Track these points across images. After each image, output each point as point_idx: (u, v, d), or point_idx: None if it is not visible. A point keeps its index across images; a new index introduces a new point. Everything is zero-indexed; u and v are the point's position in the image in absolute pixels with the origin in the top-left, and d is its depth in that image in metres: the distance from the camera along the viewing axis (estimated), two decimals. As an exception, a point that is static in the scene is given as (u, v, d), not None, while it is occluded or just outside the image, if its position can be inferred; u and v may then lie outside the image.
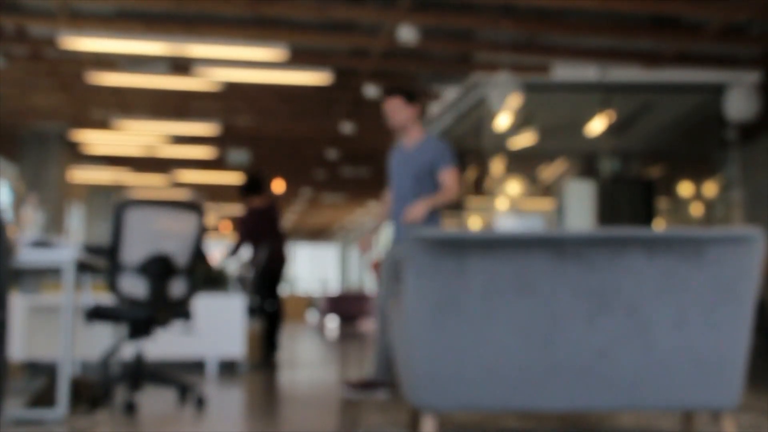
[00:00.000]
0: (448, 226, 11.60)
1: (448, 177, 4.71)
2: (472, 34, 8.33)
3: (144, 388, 4.52)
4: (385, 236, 5.75)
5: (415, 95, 4.92)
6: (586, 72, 9.02)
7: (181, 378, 4.77)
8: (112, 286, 4.28)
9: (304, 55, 8.74)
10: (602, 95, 9.30)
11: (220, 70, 9.14)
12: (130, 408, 4.16)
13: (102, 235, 16.70)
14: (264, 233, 7.56)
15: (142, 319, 4.40)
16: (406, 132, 4.90)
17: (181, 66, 9.21)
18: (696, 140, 10.46)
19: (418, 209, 4.58)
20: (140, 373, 4.41)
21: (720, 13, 7.27)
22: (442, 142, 4.86)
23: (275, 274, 7.65)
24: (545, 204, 11.36)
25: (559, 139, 10.82)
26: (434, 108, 10.83)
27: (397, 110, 4.87)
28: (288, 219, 24.98)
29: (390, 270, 4.67)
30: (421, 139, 4.88)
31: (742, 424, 3.51)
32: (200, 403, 4.46)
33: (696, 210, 10.83)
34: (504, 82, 7.71)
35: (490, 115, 8.86)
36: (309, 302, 22.52)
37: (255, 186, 7.58)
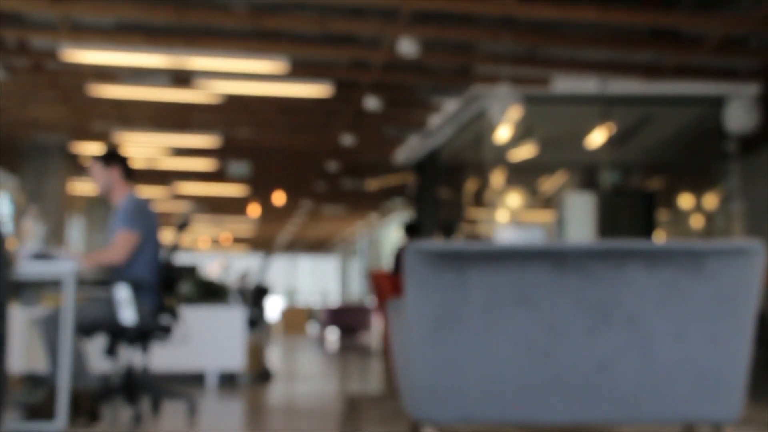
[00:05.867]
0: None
1: (119, 238, 4.51)
2: (473, 47, 8.35)
3: (139, 400, 4.51)
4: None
5: (113, 157, 4.69)
6: (586, 84, 9.04)
7: (160, 386, 4.77)
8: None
9: (305, 68, 8.76)
10: (602, 107, 9.31)
11: (221, 82, 9.16)
12: (137, 420, 4.16)
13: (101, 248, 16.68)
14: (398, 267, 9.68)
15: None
16: (110, 195, 4.72)
17: (181, 78, 9.22)
18: (696, 152, 10.46)
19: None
20: (134, 385, 4.42)
21: (719, 25, 7.28)
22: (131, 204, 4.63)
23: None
24: (545, 216, 11.35)
25: (559, 151, 10.83)
26: (434, 120, 10.85)
27: (96, 175, 4.70)
28: (288, 231, 24.99)
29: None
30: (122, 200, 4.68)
31: (743, 437, 3.50)
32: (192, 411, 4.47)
33: (696, 222, 10.82)
34: (504, 95, 7.72)
35: (491, 128, 8.87)
36: (309, 314, 22.50)
37: (410, 231, 9.68)
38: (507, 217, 10.54)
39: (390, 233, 22.57)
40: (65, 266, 4.07)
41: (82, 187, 15.38)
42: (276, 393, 6.12)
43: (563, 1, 6.84)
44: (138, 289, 4.38)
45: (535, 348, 2.59)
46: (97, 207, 17.69)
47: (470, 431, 3.80)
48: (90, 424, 4.20)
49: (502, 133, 8.84)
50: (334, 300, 28.14)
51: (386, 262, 22.55)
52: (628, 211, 9.70)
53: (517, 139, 9.51)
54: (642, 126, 10.17)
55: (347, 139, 11.77)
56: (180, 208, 19.26)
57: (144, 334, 4.44)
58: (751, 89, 8.71)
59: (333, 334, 18.68)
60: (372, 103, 9.47)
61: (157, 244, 4.61)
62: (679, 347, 2.60)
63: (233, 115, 11.00)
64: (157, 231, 4.65)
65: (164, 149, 12.89)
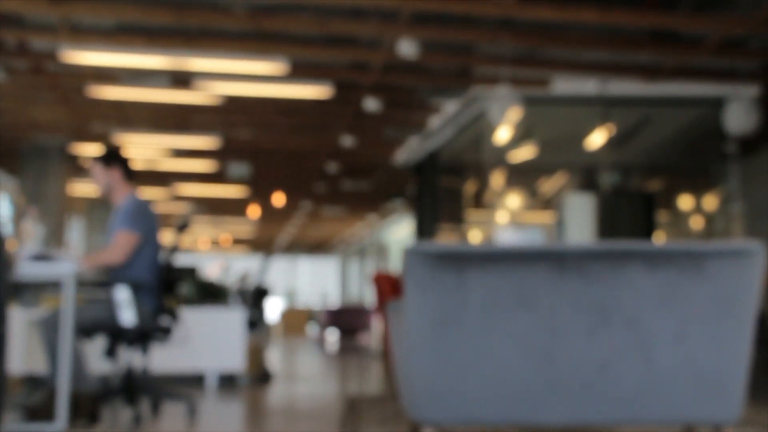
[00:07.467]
0: (449, 240, 11.62)
1: (119, 239, 4.52)
2: (472, 48, 8.35)
3: (138, 401, 4.51)
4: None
5: (114, 157, 4.70)
6: (586, 85, 9.04)
7: (160, 388, 4.77)
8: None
9: (305, 69, 8.76)
10: (602, 109, 9.32)
11: (221, 83, 9.16)
12: (137, 421, 4.16)
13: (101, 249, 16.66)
14: None
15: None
16: (111, 195, 4.73)
17: (181, 80, 9.22)
18: (696, 153, 10.47)
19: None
20: (134, 387, 4.43)
21: (719, 27, 7.29)
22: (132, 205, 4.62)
23: None
24: (545, 217, 11.36)
25: (559, 152, 10.83)
26: (434, 121, 10.85)
27: (97, 176, 4.72)
28: (288, 232, 24.99)
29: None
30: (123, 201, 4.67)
31: (743, 439, 3.50)
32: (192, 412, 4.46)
33: (696, 223, 10.83)
34: (504, 96, 7.73)
35: (490, 129, 8.88)
36: (309, 315, 22.49)
37: None
38: (507, 218, 10.55)
39: (390, 234, 22.56)
40: (65, 267, 4.07)
41: (82, 189, 15.38)
42: (276, 394, 6.12)
43: (563, 2, 6.84)
44: (138, 290, 4.38)
45: (535, 349, 2.59)
46: (97, 208, 17.69)
47: (470, 432, 3.79)
48: (90, 426, 4.19)
49: (502, 135, 8.84)
50: (333, 301, 28.13)
51: (385, 263, 22.52)
52: (628, 212, 9.70)
53: (516, 141, 9.51)
54: (642, 127, 10.17)
55: (347, 141, 11.77)
56: (180, 209, 19.26)
57: (144, 336, 4.44)
58: (750, 90, 8.71)
59: (333, 336, 18.68)
60: (372, 104, 9.47)
61: (157, 245, 4.61)
62: (679, 348, 2.60)
63: (233, 117, 11.00)
64: (157, 232, 4.65)
65: (164, 150, 12.89)
